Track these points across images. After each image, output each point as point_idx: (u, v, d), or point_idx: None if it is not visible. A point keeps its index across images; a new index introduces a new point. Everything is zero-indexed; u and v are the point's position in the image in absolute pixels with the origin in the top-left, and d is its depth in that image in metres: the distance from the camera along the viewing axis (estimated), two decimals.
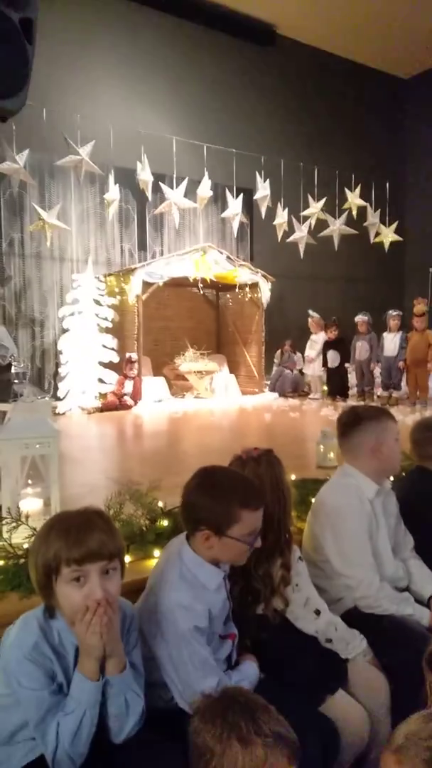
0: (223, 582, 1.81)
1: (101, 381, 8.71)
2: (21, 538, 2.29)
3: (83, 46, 9.62)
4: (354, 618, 2.23)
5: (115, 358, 8.86)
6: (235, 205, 8.45)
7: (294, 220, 9.05)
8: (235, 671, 1.82)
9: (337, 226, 9.23)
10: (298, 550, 2.16)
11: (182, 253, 9.36)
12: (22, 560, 2.15)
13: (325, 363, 9.64)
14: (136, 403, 8.61)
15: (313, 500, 2.59)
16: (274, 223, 8.94)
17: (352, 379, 9.68)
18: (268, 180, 8.55)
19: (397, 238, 9.93)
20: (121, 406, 8.47)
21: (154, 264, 9.10)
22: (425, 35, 11.70)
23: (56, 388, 8.78)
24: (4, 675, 1.48)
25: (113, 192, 7.71)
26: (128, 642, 1.60)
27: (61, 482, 2.69)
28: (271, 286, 10.14)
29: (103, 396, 8.62)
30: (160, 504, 2.69)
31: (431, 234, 12.86)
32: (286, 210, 8.90)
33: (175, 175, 8.01)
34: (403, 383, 9.03)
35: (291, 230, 9.08)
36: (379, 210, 9.68)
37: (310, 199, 9.16)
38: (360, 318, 9.33)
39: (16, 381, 6.67)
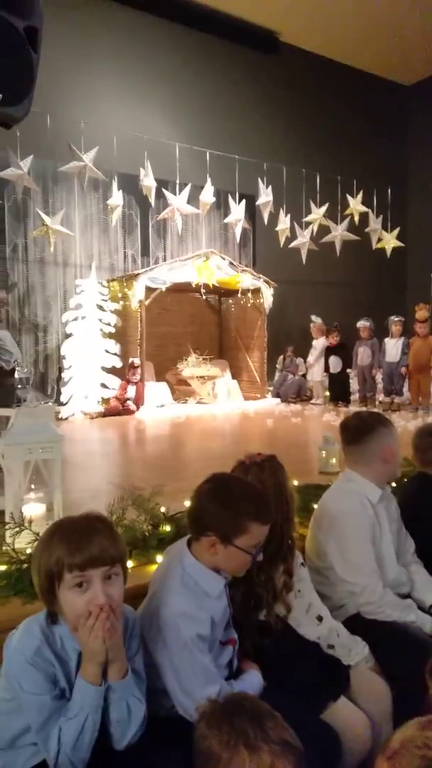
0: (224, 589, 1.81)
1: (104, 386, 8.72)
2: (24, 543, 2.30)
3: (87, 53, 9.68)
4: (356, 624, 2.23)
5: (118, 363, 8.87)
6: (237, 211, 8.47)
7: (296, 226, 9.07)
8: (238, 681, 1.81)
9: (339, 232, 9.25)
10: (300, 556, 2.16)
11: (185, 258, 9.37)
12: (25, 565, 2.16)
13: (327, 368, 9.65)
14: (138, 408, 8.62)
15: (315, 506, 2.59)
16: (277, 229, 8.96)
17: (354, 384, 9.68)
18: (270, 186, 8.58)
19: (398, 243, 9.96)
20: (124, 411, 8.48)
21: (157, 269, 9.12)
22: (428, 42, 11.75)
23: (59, 393, 8.79)
24: (6, 680, 1.48)
25: (116, 198, 7.74)
26: (130, 648, 1.60)
27: (63, 487, 2.70)
28: (273, 292, 10.14)
29: (105, 401, 8.62)
30: (163, 509, 2.69)
31: None
32: (289, 216, 8.93)
33: (178, 181, 8.04)
34: (405, 389, 9.02)
35: (293, 236, 9.10)
36: (381, 216, 9.71)
37: (312, 205, 9.18)
38: (362, 323, 9.34)
39: (19, 386, 6.69)
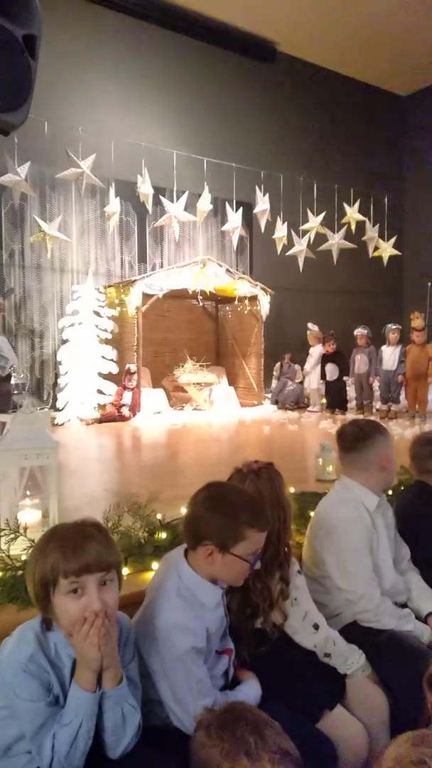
0: (221, 599, 1.81)
1: (100, 392, 8.71)
2: (19, 549, 2.29)
3: (85, 60, 9.73)
4: (353, 633, 2.22)
5: (115, 370, 8.87)
6: (234, 219, 8.51)
7: (293, 234, 9.10)
8: (234, 691, 1.80)
9: (336, 241, 9.29)
10: (296, 563, 2.15)
11: (182, 265, 9.40)
12: (20, 572, 2.15)
13: (323, 376, 9.66)
14: (134, 414, 8.61)
15: (312, 514, 2.59)
16: (274, 236, 8.99)
17: (351, 392, 9.70)
18: (267, 194, 8.62)
19: (395, 252, 10.01)
20: (120, 417, 8.47)
21: (154, 276, 9.14)
22: (424, 53, 11.86)
23: (55, 399, 8.78)
24: (0, 687, 1.48)
25: (114, 204, 7.77)
26: (125, 655, 1.59)
27: (59, 493, 2.69)
28: (270, 299, 10.18)
29: (102, 407, 8.62)
30: (159, 516, 2.69)
31: (429, 248, 12.95)
32: (286, 224, 8.96)
33: (175, 189, 8.08)
34: (402, 396, 9.04)
35: (290, 244, 9.14)
36: (377, 224, 9.76)
37: (309, 213, 9.22)
38: (359, 331, 9.37)
39: (15, 392, 6.68)
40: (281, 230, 8.96)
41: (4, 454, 2.58)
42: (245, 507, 1.75)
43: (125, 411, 8.58)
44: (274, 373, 10.78)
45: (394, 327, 8.97)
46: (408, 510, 2.79)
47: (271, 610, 2.02)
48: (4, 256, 8.99)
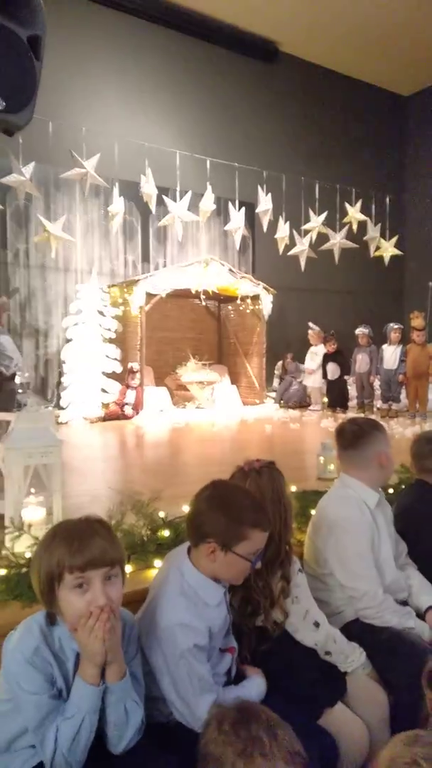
0: (224, 597, 1.82)
1: (104, 391, 8.74)
2: (23, 547, 2.30)
3: (89, 61, 9.75)
4: (354, 631, 2.23)
5: (118, 368, 8.89)
6: (237, 219, 8.51)
7: (295, 233, 9.10)
8: (237, 687, 1.81)
9: (337, 240, 9.29)
10: (298, 562, 2.16)
11: (185, 265, 9.42)
12: (24, 569, 2.16)
13: (324, 375, 9.68)
14: (137, 412, 8.63)
15: (313, 512, 2.60)
16: (276, 236, 8.98)
17: (352, 391, 9.71)
18: (269, 194, 8.62)
19: (397, 252, 9.99)
20: (123, 415, 8.49)
21: (157, 275, 9.16)
22: (426, 52, 11.84)
23: (59, 398, 8.80)
24: (4, 679, 1.49)
25: (117, 204, 7.78)
26: (128, 651, 1.60)
27: (63, 492, 2.71)
28: (272, 299, 10.19)
29: (105, 406, 8.64)
30: (162, 514, 2.70)
31: (430, 248, 12.93)
32: (288, 223, 8.96)
33: (178, 189, 8.08)
34: (403, 396, 9.05)
35: (292, 244, 9.13)
36: (379, 224, 9.75)
37: (311, 213, 9.22)
38: (360, 330, 9.39)
39: (20, 391, 6.70)
40: (283, 230, 8.95)
41: (8, 453, 2.60)
42: (248, 507, 1.76)
43: (128, 410, 8.61)
44: (276, 371, 10.80)
45: (395, 326, 8.99)
46: (408, 508, 2.80)
47: (272, 608, 2.03)
48: (9, 256, 9.02)
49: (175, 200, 7.97)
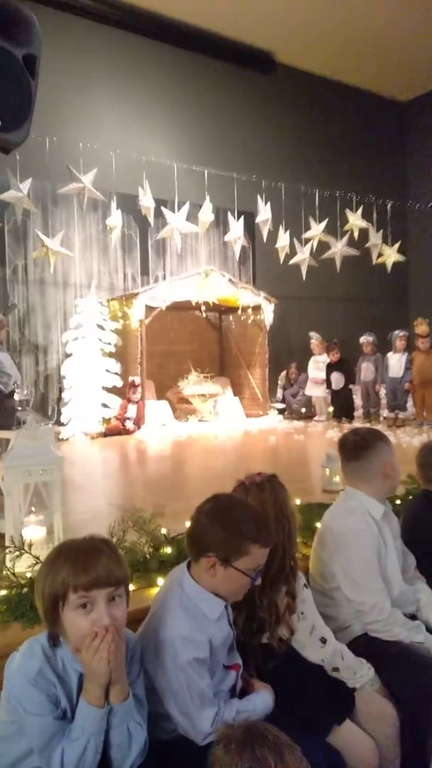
0: (224, 611, 1.79)
1: (105, 406, 8.70)
2: (24, 567, 2.28)
3: (85, 75, 9.82)
4: (362, 646, 2.19)
5: (119, 383, 8.87)
6: (236, 229, 8.52)
7: (296, 242, 9.10)
8: (242, 700, 1.78)
9: (339, 248, 9.27)
10: (303, 577, 2.13)
11: (184, 276, 9.42)
12: (25, 590, 2.14)
13: (329, 385, 9.63)
14: (139, 427, 8.60)
15: (318, 525, 2.57)
16: (276, 246, 8.99)
17: (357, 400, 9.65)
18: (269, 203, 8.63)
19: (399, 258, 9.94)
20: (124, 431, 8.46)
21: (157, 288, 9.16)
22: (424, 59, 11.90)
23: (59, 414, 8.78)
24: (7, 702, 1.48)
25: (115, 218, 7.80)
26: (131, 672, 1.59)
27: (64, 509, 2.69)
28: (273, 308, 10.16)
29: (106, 421, 8.61)
30: (164, 531, 2.67)
31: None
32: (288, 232, 8.96)
33: (176, 200, 8.10)
34: (409, 404, 8.99)
35: (293, 253, 9.12)
36: (380, 231, 9.74)
37: (312, 221, 9.22)
38: (365, 339, 9.34)
39: (19, 408, 6.69)
40: (283, 239, 8.95)
41: (8, 471, 2.58)
42: (250, 522, 1.74)
43: (129, 424, 8.57)
44: (280, 382, 10.75)
45: (400, 334, 8.94)
46: (415, 519, 2.77)
47: (278, 625, 2.00)
48: (7, 272, 9.04)
49: (173, 212, 7.98)
